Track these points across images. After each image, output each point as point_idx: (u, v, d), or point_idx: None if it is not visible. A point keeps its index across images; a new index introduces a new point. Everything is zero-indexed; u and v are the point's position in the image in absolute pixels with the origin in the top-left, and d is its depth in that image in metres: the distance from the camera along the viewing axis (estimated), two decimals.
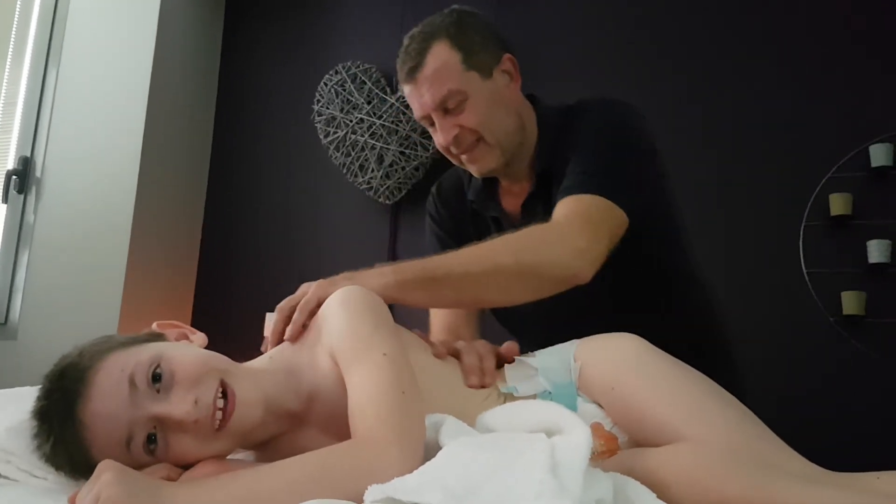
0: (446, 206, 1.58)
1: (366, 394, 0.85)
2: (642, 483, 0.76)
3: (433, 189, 1.64)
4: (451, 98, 1.34)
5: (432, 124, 1.39)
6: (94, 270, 2.82)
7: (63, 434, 0.83)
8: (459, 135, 1.36)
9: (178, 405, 0.83)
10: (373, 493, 0.72)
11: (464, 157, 1.40)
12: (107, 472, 0.75)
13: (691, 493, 0.76)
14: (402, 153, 2.90)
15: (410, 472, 0.76)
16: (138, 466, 0.82)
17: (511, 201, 1.47)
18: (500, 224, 1.47)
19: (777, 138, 2.58)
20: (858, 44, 2.55)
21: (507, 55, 1.40)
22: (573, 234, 1.18)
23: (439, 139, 1.39)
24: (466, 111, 1.35)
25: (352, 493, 0.74)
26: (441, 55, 1.34)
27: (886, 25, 2.52)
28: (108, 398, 0.82)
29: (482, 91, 1.35)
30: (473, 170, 1.42)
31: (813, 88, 2.57)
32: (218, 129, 3.42)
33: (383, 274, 1.09)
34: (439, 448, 0.80)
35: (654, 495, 0.74)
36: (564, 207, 1.23)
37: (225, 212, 3.32)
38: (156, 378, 0.84)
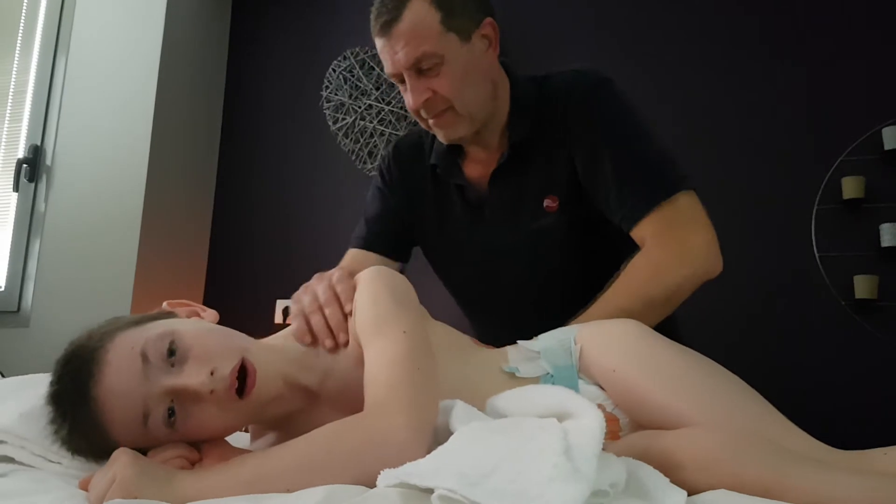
0: (401, 167, 1.54)
1: (380, 366, 0.86)
2: (656, 465, 0.76)
3: (389, 148, 1.59)
4: (426, 59, 1.28)
5: (402, 82, 1.33)
6: (105, 258, 2.83)
7: (78, 416, 0.83)
8: (431, 100, 1.31)
9: (193, 377, 0.83)
10: (386, 477, 0.72)
11: (432, 121, 1.35)
12: (122, 457, 0.76)
13: (707, 476, 0.75)
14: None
15: (418, 444, 0.78)
16: (157, 444, 0.83)
17: (476, 168, 1.43)
18: (464, 192, 1.43)
19: (789, 121, 2.56)
20: (871, 26, 2.51)
21: (489, 19, 1.34)
22: (690, 242, 1.22)
23: (409, 101, 1.33)
24: (441, 76, 1.29)
25: (361, 464, 0.76)
26: (420, 12, 1.27)
27: None
28: (121, 375, 0.82)
29: (459, 56, 1.29)
30: (441, 135, 1.37)
31: (826, 71, 2.54)
32: (227, 116, 3.42)
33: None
34: (450, 433, 0.80)
35: (667, 479, 0.74)
36: (659, 224, 1.23)
37: (235, 199, 3.32)
38: (171, 353, 0.84)
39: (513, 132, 1.37)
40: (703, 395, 0.92)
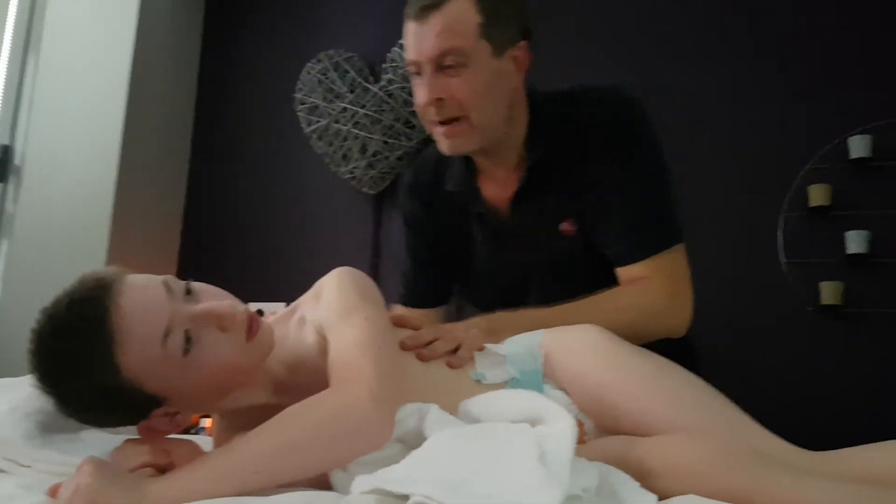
0: (423, 200, 1.49)
1: (343, 348, 0.89)
2: (629, 471, 0.77)
3: (405, 187, 1.54)
4: (453, 55, 1.22)
5: (418, 73, 1.27)
6: (74, 260, 2.79)
7: (93, 334, 0.81)
8: (445, 102, 1.25)
9: (217, 301, 0.87)
10: (360, 484, 0.73)
11: (441, 128, 1.28)
12: (86, 466, 0.75)
13: (683, 483, 0.77)
14: (385, 143, 2.89)
15: (382, 414, 0.80)
16: (160, 377, 0.83)
17: (495, 191, 1.39)
18: (484, 220, 1.40)
19: (756, 129, 2.60)
20: (839, 37, 2.57)
21: (524, 42, 1.30)
22: (676, 298, 1.27)
23: (422, 94, 1.27)
24: (461, 78, 1.24)
25: (327, 439, 0.78)
26: (463, 8, 1.22)
27: (863, 19, 2.55)
28: (147, 292, 0.84)
29: (486, 66, 1.24)
30: (445, 145, 1.30)
31: (793, 80, 2.59)
32: (199, 117, 3.39)
33: (492, 332, 1.16)
34: (424, 438, 0.81)
35: (638, 484, 0.75)
36: (653, 271, 1.26)
37: (207, 201, 3.30)
38: (188, 292, 0.88)
39: (531, 154, 1.33)
40: (671, 401, 0.94)
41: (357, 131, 2.91)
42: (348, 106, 2.93)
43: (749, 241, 2.55)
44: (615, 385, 0.97)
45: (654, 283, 1.26)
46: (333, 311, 0.96)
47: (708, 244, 2.52)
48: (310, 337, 0.99)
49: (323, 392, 0.83)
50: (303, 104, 3.04)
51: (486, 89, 1.25)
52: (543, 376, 1.04)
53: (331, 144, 2.97)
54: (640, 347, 1.03)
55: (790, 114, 2.57)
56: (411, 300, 1.52)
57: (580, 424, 0.89)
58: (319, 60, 3.05)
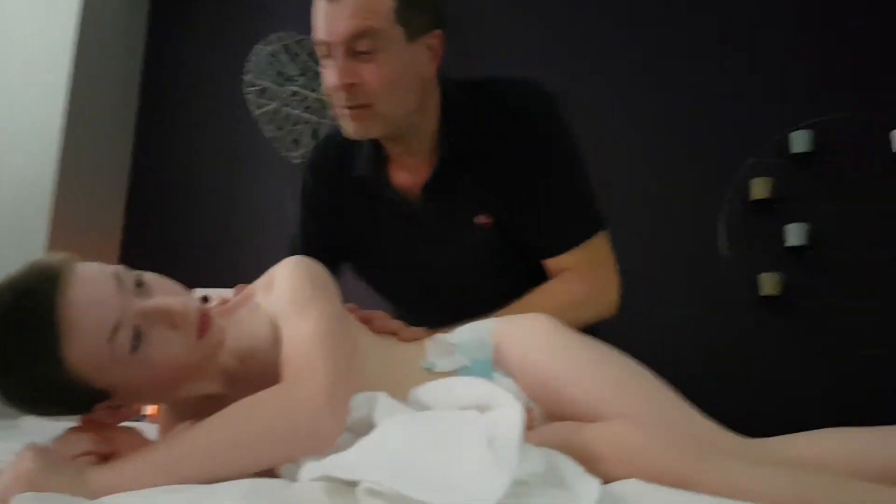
0: (325, 181, 1.45)
1: (296, 342, 0.87)
2: (576, 456, 0.78)
3: (308, 161, 1.50)
4: (366, 39, 1.18)
5: (328, 55, 1.22)
6: (11, 255, 2.70)
7: (37, 327, 0.79)
8: (355, 87, 1.21)
9: (168, 298, 0.85)
10: (309, 470, 0.73)
11: (346, 111, 1.24)
12: (27, 452, 0.74)
13: (625, 467, 0.79)
14: (336, 127, 2.86)
15: (334, 411, 0.80)
16: (104, 373, 0.81)
17: (405, 177, 1.36)
18: (393, 205, 1.37)
19: (701, 124, 2.66)
20: (782, 33, 2.63)
21: (440, 31, 1.27)
22: (603, 286, 1.33)
23: (332, 78, 1.22)
24: (374, 65, 1.19)
25: (277, 434, 0.77)
26: None
27: (807, 15, 2.62)
28: (97, 285, 0.82)
29: (399, 52, 1.21)
30: (350, 128, 1.27)
31: (738, 77, 2.65)
32: (144, 99, 3.31)
33: None
34: (373, 426, 0.81)
35: (582, 468, 0.76)
36: (580, 261, 1.30)
37: (151, 187, 3.22)
38: (139, 284, 0.86)
39: (443, 146, 1.32)
40: (616, 389, 0.96)
41: (308, 115, 2.88)
42: (299, 89, 2.90)
43: (692, 233, 2.61)
44: (563, 373, 0.99)
45: (581, 275, 1.30)
46: (287, 303, 0.95)
47: (653, 236, 2.59)
48: (262, 328, 0.97)
49: (274, 387, 0.82)
50: (252, 86, 2.99)
51: (398, 77, 1.22)
52: (493, 364, 1.05)
53: (281, 128, 2.93)
54: (587, 336, 1.05)
55: (734, 109, 2.64)
56: None
57: (529, 411, 0.90)
58: (270, 42, 3.00)
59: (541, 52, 2.82)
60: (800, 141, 2.51)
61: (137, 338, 0.82)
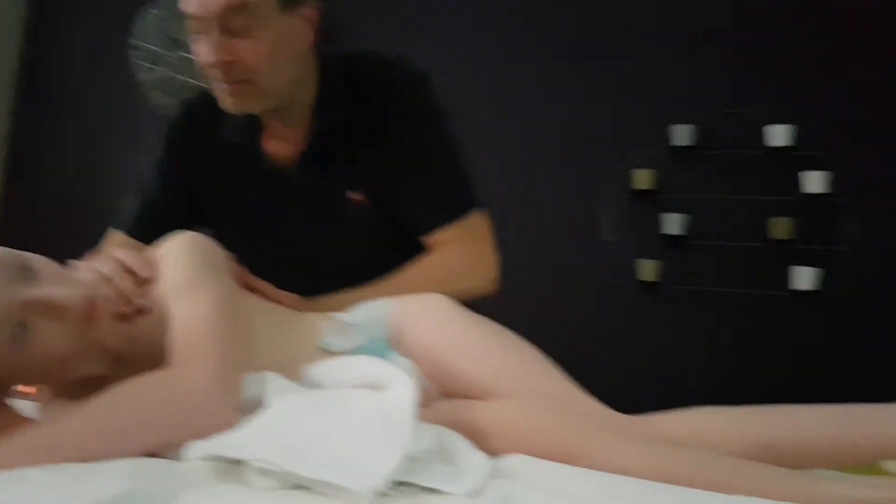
0: (190, 142, 1.39)
1: (186, 324, 0.85)
2: (467, 433, 0.80)
3: (173, 117, 1.43)
4: (241, 14, 1.13)
5: (200, 31, 1.17)
6: None
7: None
8: (233, 64, 1.17)
9: (53, 289, 0.80)
10: (196, 450, 0.71)
11: (225, 86, 1.20)
12: None
13: (513, 443, 0.82)
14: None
15: (223, 397, 0.78)
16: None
17: (278, 146, 1.33)
18: (266, 177, 1.35)
19: (587, 115, 2.76)
20: (667, 31, 2.75)
21: (317, 3, 1.25)
22: (481, 261, 1.34)
23: (206, 54, 1.17)
24: (250, 41, 1.15)
25: (163, 419, 0.75)
26: None
27: (693, 15, 2.74)
28: None
29: (275, 25, 1.17)
30: (229, 103, 1.23)
31: (625, 71, 2.75)
32: (24, 63, 3.10)
33: None
34: (263, 406, 0.80)
35: (471, 444, 0.79)
36: (456, 237, 1.30)
37: (30, 154, 3.03)
38: (22, 269, 0.81)
39: (320, 119, 1.30)
40: (509, 368, 0.99)
41: (197, 82, 2.77)
42: (189, 56, 2.78)
43: (576, 221, 2.72)
44: (458, 352, 1.01)
45: (458, 252, 1.31)
46: (178, 282, 0.92)
47: (539, 224, 2.68)
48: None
49: (163, 372, 0.80)
50: (138, 50, 2.85)
51: (276, 50, 1.18)
52: (390, 344, 1.06)
53: (168, 94, 2.81)
54: (480, 316, 1.07)
55: (619, 103, 2.74)
56: (139, 229, 1.40)
57: (423, 390, 0.91)
58: (157, 5, 2.87)
59: (425, 35, 2.83)
60: (680, 134, 2.64)
61: (22, 329, 0.78)
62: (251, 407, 0.81)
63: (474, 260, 1.33)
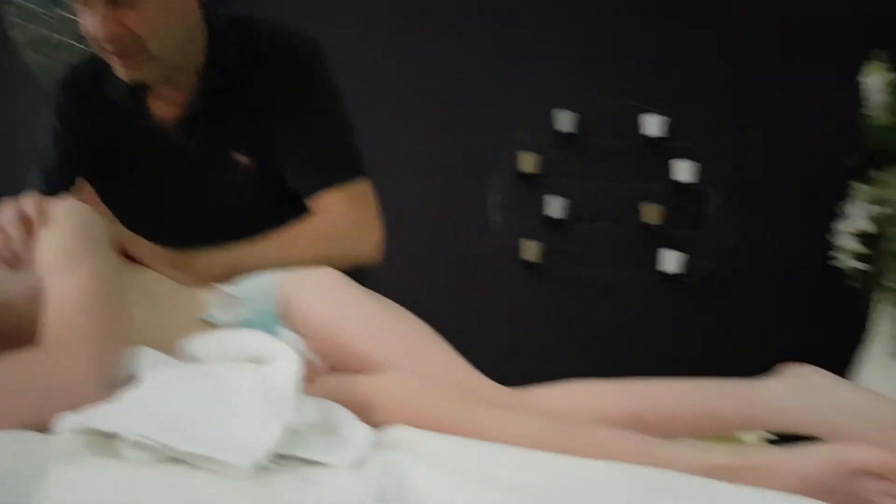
0: (79, 103, 1.36)
1: (61, 303, 0.82)
2: (352, 407, 0.81)
3: (61, 79, 1.41)
4: None
5: (84, 2, 1.14)
6: None
7: None
8: (121, 36, 1.14)
9: None
10: (67, 422, 0.68)
11: (115, 58, 1.18)
12: None
13: (398, 416, 0.83)
14: None
15: (96, 383, 0.75)
16: None
17: (164, 108, 1.31)
18: (151, 135, 1.33)
19: (476, 99, 2.80)
20: (556, 20, 2.83)
21: None
22: (366, 226, 1.32)
23: (92, 28, 1.15)
24: (137, 11, 1.13)
25: (33, 402, 0.72)
26: None
27: (576, 6, 2.83)
28: None
29: None
30: (123, 74, 1.21)
31: (512, 57, 2.82)
32: None
33: (193, 274, 1.13)
34: (137, 380, 0.78)
35: (355, 417, 0.79)
36: (341, 199, 1.29)
37: None
38: None
39: (207, 81, 1.28)
40: (395, 342, 0.99)
41: (74, 42, 2.60)
42: (70, 15, 2.60)
43: (464, 201, 2.77)
44: (347, 327, 1.01)
45: (342, 214, 1.30)
46: (56, 256, 0.88)
47: (432, 204, 2.71)
48: (20, 278, 0.89)
49: (35, 352, 0.76)
50: (10, 5, 2.64)
51: (164, 17, 1.17)
52: (278, 318, 1.04)
53: (46, 55, 2.63)
54: (368, 291, 1.07)
55: (507, 87, 2.80)
56: (47, 188, 1.36)
57: (311, 364, 0.91)
58: None
59: (315, 5, 2.78)
60: (563, 120, 2.72)
61: None
62: (125, 383, 0.78)
63: (359, 224, 1.32)
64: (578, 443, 0.79)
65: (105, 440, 0.66)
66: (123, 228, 1.17)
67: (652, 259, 2.70)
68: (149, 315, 0.97)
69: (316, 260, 1.16)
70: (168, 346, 0.89)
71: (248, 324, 1.02)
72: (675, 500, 0.64)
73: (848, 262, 2.36)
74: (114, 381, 0.78)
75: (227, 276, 1.14)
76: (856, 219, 2.33)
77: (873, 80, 2.33)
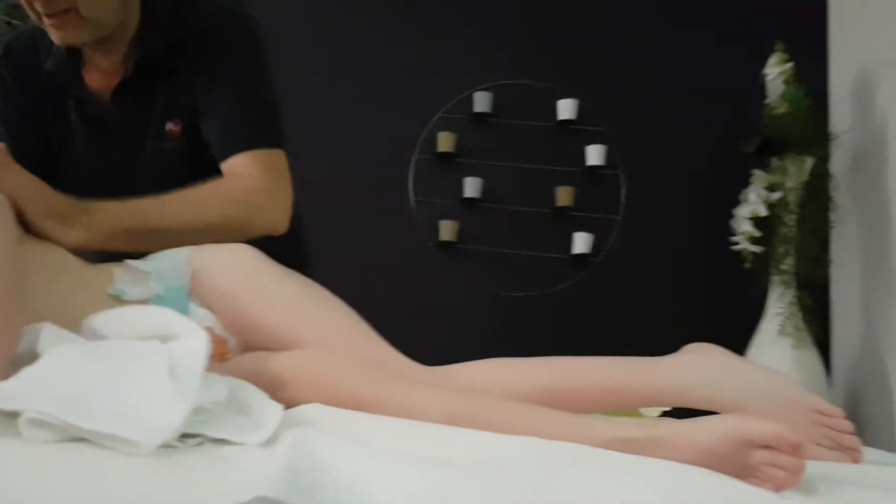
0: (17, 75, 1.36)
1: None
2: (264, 384, 0.80)
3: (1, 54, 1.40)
4: None
5: None
6: None
7: None
8: None
9: None
10: None
11: (48, 20, 1.18)
12: None
13: (310, 393, 0.82)
14: (9, 24, 2.49)
15: None
16: None
17: (98, 78, 1.32)
18: (84, 104, 1.33)
19: (396, 79, 2.82)
20: (479, 3, 2.84)
21: None
22: (275, 194, 1.28)
23: None
24: None
25: None
26: None
27: None
28: None
29: None
30: (56, 37, 1.21)
31: (433, 39, 2.84)
32: None
33: (90, 228, 1.08)
34: (37, 356, 0.74)
35: (266, 395, 0.78)
36: (254, 164, 1.26)
37: None
38: None
39: (139, 47, 1.27)
40: (310, 319, 0.99)
41: (13, 20, 2.45)
42: None
43: (384, 181, 2.78)
44: (261, 303, 0.99)
45: (254, 178, 1.28)
46: None
47: (351, 183, 2.71)
48: None
49: None
50: None
51: None
52: (190, 294, 1.02)
53: None
54: (284, 268, 1.06)
55: (427, 69, 2.82)
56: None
57: (223, 342, 0.89)
58: None
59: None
60: (481, 101, 2.75)
61: None
62: (24, 359, 0.75)
63: (269, 192, 1.28)
64: (489, 417, 0.81)
65: (4, 419, 0.63)
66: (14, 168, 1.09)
67: (566, 240, 2.76)
68: (53, 290, 0.93)
69: (221, 222, 1.15)
70: (74, 323, 0.86)
71: (158, 300, 1.00)
72: (582, 472, 0.66)
73: (745, 246, 2.48)
74: (12, 358, 0.75)
75: (129, 232, 1.11)
76: (753, 204, 2.45)
77: (773, 71, 2.44)
